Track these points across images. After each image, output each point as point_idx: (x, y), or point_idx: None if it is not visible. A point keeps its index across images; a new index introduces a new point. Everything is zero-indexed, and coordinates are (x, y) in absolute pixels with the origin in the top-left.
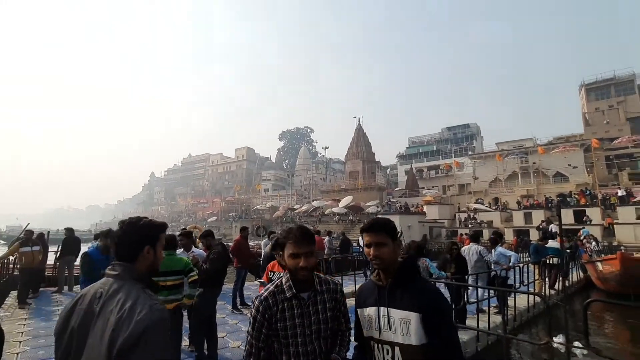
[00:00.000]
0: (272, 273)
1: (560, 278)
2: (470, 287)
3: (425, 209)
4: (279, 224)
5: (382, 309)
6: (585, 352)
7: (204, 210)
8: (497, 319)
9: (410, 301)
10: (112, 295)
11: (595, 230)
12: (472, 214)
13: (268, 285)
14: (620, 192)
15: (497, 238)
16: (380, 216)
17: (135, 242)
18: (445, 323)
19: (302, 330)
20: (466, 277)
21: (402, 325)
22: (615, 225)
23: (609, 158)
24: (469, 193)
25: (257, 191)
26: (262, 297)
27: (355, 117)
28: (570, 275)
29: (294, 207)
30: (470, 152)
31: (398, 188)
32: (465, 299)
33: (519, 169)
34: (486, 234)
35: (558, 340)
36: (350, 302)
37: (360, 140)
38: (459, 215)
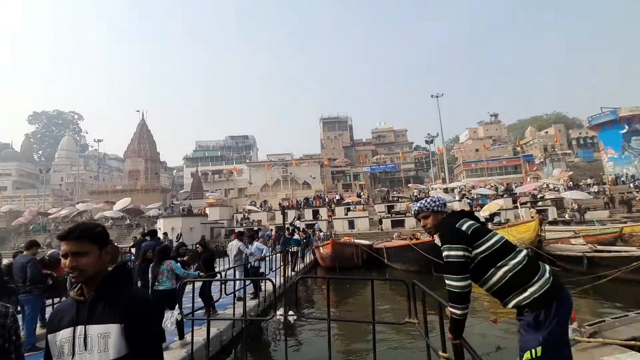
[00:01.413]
0: None
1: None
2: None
3: (207, 210)
4: (21, 233)
5: (79, 328)
6: (295, 317)
7: None
8: (252, 303)
9: (112, 312)
10: None
11: (323, 224)
12: (246, 214)
13: None
14: (337, 197)
15: (254, 234)
16: (162, 216)
17: None
18: (145, 330)
19: None
20: (223, 270)
21: (100, 341)
22: (334, 220)
23: (333, 173)
24: (246, 196)
25: None
26: None
27: (138, 111)
28: (306, 258)
29: (48, 211)
30: (247, 160)
31: (184, 190)
32: (224, 291)
33: (281, 177)
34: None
35: (280, 312)
36: None
37: (144, 137)
38: (236, 215)
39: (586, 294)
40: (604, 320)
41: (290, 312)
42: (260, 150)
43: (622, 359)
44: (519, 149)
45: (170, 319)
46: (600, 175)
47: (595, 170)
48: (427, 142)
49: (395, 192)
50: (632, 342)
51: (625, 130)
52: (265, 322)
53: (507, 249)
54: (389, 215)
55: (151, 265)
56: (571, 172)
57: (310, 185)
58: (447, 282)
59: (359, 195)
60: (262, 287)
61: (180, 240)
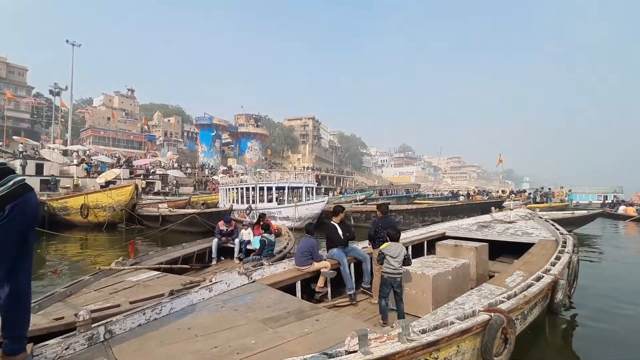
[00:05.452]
0: None
1: None
2: None
3: None
4: None
5: None
6: None
7: None
8: None
9: None
10: None
11: None
12: None
13: None
14: None
15: None
16: None
17: None
18: None
19: None
20: None
21: None
22: None
23: None
24: None
25: None
26: None
27: None
28: None
29: None
30: None
31: None
32: None
33: None
34: None
35: None
36: None
37: None
38: None
39: (158, 240)
40: (148, 253)
41: None
42: None
43: (142, 275)
44: (145, 127)
45: None
46: (195, 161)
47: (193, 158)
48: (52, 92)
49: None
50: (157, 265)
51: (214, 133)
52: None
53: None
54: None
55: None
56: (178, 156)
57: None
58: None
59: None
60: None
61: None
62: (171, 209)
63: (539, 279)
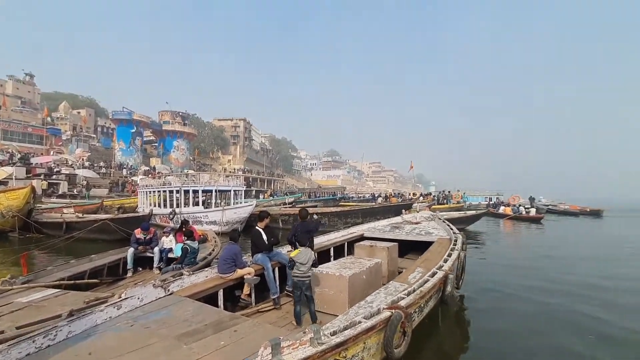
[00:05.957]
0: None
1: None
2: None
3: None
4: None
5: None
6: None
7: None
8: None
9: None
10: None
11: None
12: None
13: None
14: None
15: None
16: None
17: None
18: None
19: None
20: None
21: None
22: None
23: None
24: None
25: None
26: None
27: None
28: None
29: None
30: None
31: None
32: None
33: None
34: None
35: None
36: None
37: None
38: None
39: (61, 252)
40: (46, 268)
41: None
42: None
43: (36, 294)
44: (49, 119)
45: None
46: (111, 160)
47: (108, 156)
48: None
49: None
50: (58, 282)
51: (134, 130)
52: None
53: None
54: None
55: None
56: (90, 154)
57: None
58: None
59: None
60: None
61: None
62: (79, 214)
63: (433, 274)
